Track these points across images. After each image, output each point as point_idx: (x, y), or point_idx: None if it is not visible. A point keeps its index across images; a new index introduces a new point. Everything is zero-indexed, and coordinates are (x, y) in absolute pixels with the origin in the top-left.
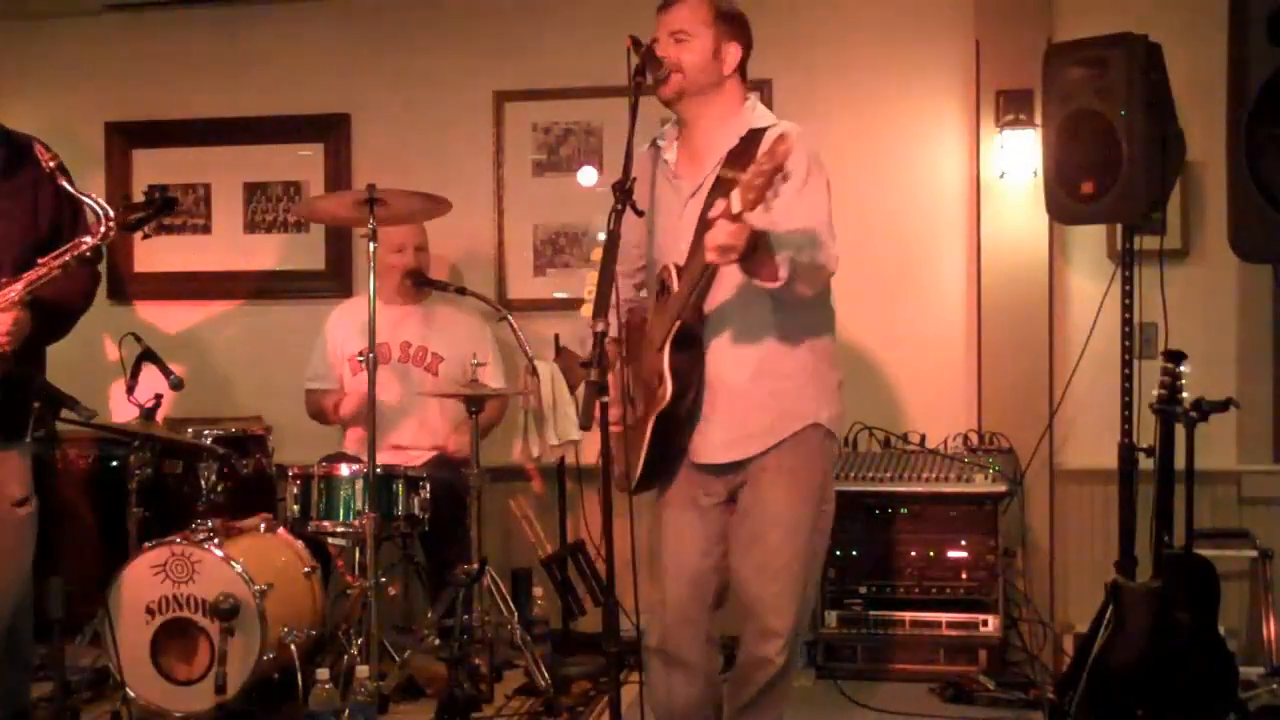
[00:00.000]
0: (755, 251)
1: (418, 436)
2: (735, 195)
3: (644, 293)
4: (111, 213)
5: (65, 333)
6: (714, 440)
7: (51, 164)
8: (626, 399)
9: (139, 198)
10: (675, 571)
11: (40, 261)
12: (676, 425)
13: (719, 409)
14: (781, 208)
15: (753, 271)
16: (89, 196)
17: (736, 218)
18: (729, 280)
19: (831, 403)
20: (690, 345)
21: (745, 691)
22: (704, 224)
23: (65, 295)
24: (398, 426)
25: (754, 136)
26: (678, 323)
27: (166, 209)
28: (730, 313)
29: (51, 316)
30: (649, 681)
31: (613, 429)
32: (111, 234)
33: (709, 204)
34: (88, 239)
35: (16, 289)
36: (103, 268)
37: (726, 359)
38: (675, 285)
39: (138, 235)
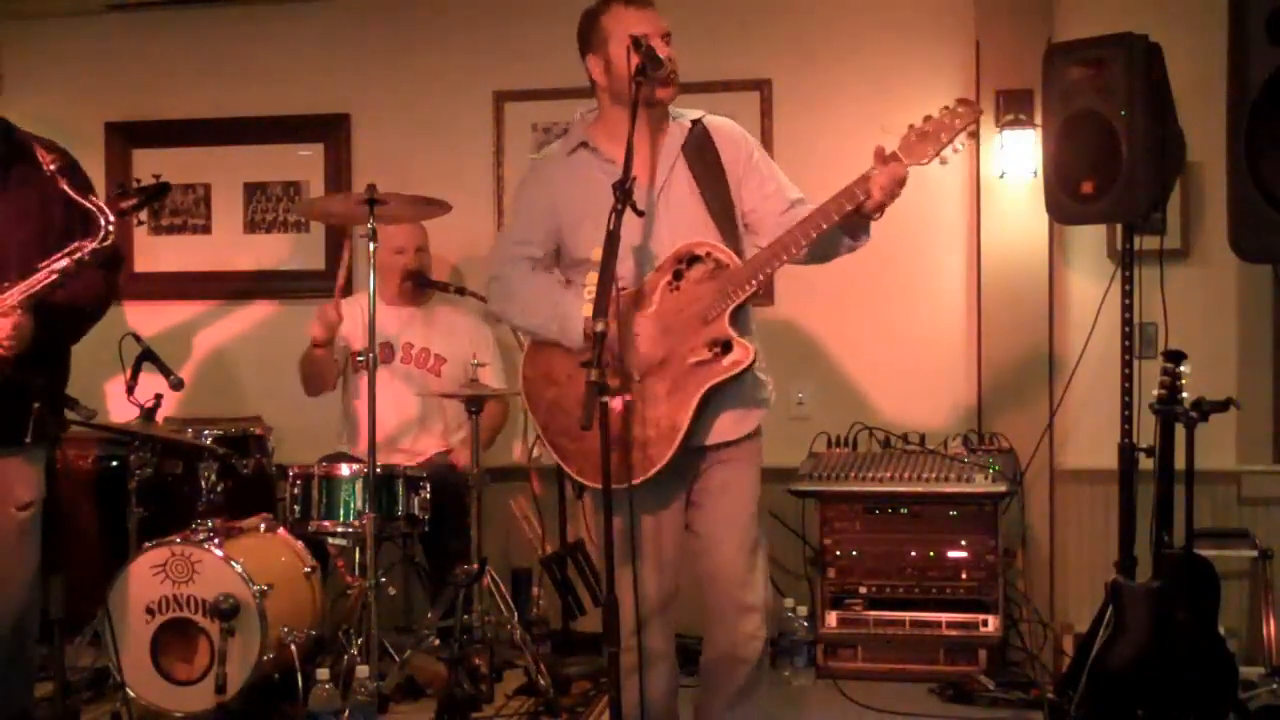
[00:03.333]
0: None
1: (419, 437)
2: (903, 147)
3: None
4: (111, 216)
5: (80, 335)
6: (726, 419)
7: (52, 167)
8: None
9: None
10: (652, 564)
11: (39, 266)
12: (718, 394)
13: (729, 386)
14: (782, 182)
15: (865, 230)
16: (89, 200)
17: (900, 162)
18: None
19: None
20: (742, 317)
21: (733, 681)
22: (716, 208)
23: (76, 298)
24: (399, 427)
25: (695, 130)
26: (754, 286)
27: (161, 195)
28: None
29: (62, 319)
30: (624, 682)
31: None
32: (110, 238)
33: (707, 193)
34: (87, 243)
35: (13, 295)
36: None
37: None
38: (730, 259)
39: (138, 236)
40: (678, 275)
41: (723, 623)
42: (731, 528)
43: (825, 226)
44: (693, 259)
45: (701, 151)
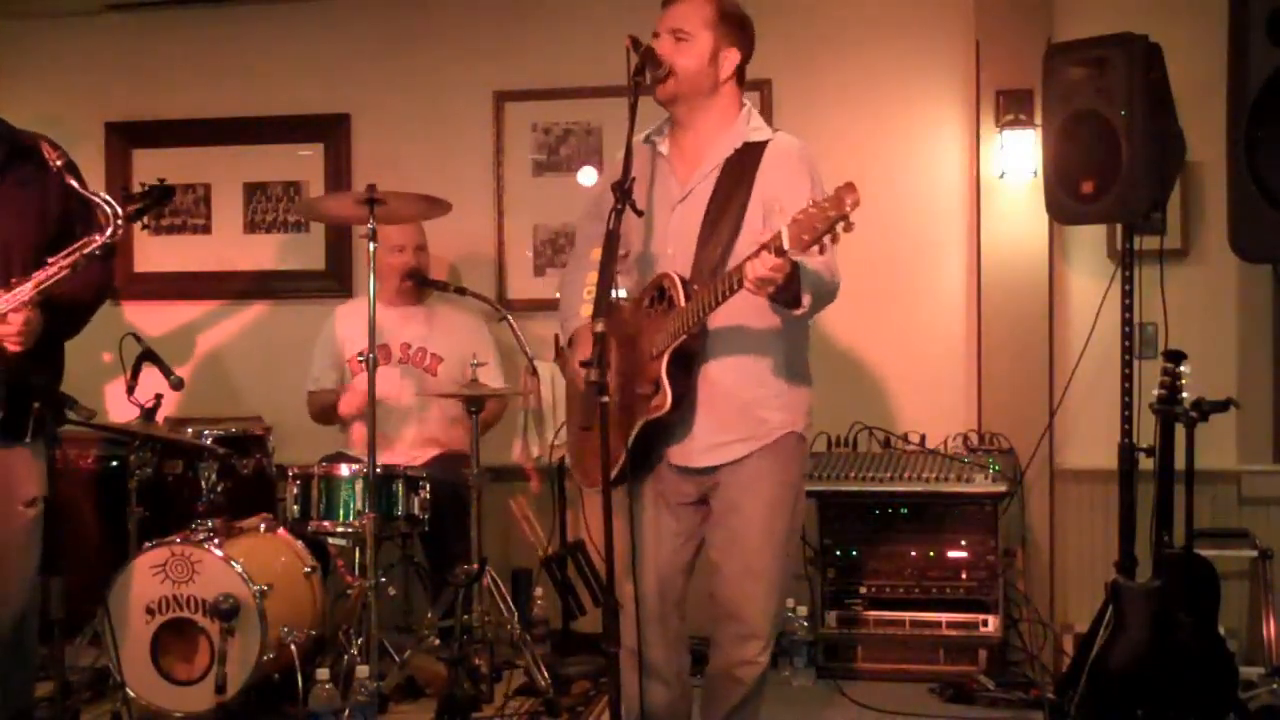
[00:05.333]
0: (789, 283)
1: (418, 437)
2: (787, 232)
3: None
4: (121, 211)
5: (79, 329)
6: (695, 446)
7: (59, 163)
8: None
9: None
10: (647, 569)
11: (49, 261)
12: (663, 431)
13: (701, 414)
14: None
15: (780, 299)
16: (98, 195)
17: (783, 253)
18: (736, 299)
19: (806, 411)
20: (689, 359)
21: (727, 700)
22: (706, 234)
23: (77, 291)
24: (398, 427)
25: (750, 150)
26: (683, 338)
27: (165, 198)
28: (731, 328)
29: (64, 313)
30: (622, 682)
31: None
32: (120, 232)
33: (710, 215)
34: (97, 237)
35: (26, 289)
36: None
37: (714, 368)
38: (680, 299)
39: (138, 236)
40: (652, 302)
41: (722, 643)
42: (732, 553)
43: (715, 303)
44: (661, 290)
45: (740, 172)
